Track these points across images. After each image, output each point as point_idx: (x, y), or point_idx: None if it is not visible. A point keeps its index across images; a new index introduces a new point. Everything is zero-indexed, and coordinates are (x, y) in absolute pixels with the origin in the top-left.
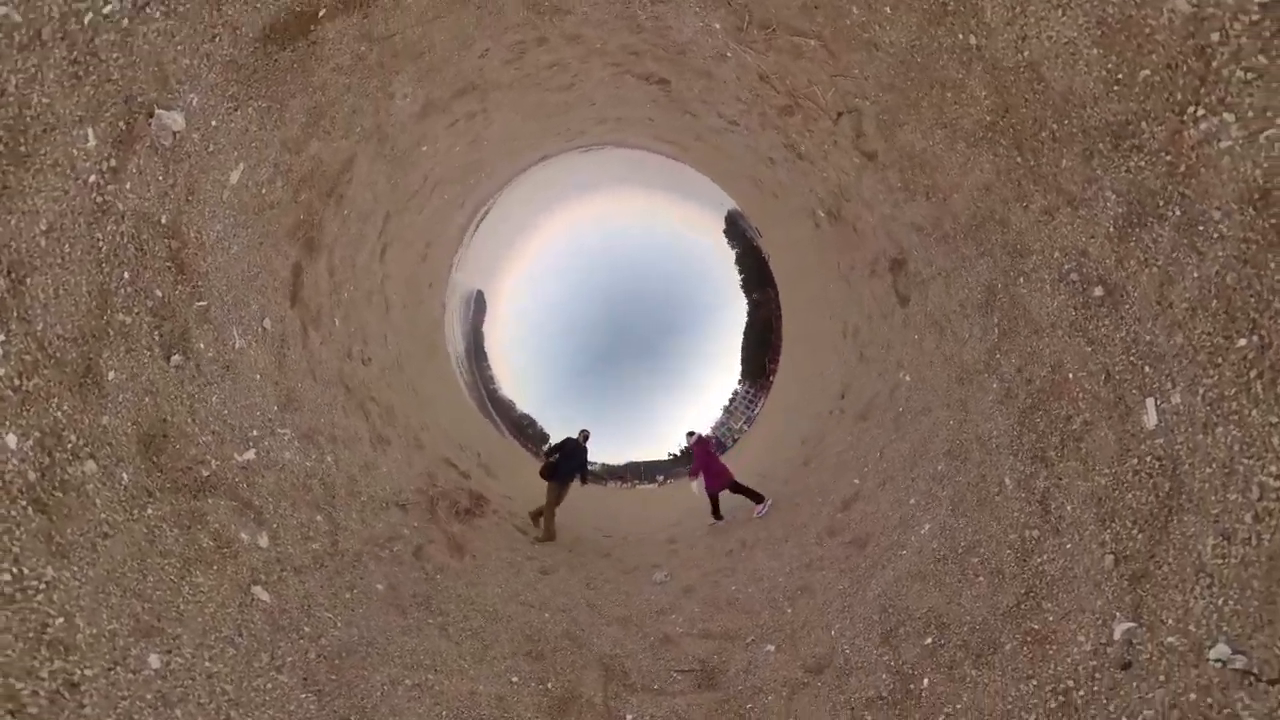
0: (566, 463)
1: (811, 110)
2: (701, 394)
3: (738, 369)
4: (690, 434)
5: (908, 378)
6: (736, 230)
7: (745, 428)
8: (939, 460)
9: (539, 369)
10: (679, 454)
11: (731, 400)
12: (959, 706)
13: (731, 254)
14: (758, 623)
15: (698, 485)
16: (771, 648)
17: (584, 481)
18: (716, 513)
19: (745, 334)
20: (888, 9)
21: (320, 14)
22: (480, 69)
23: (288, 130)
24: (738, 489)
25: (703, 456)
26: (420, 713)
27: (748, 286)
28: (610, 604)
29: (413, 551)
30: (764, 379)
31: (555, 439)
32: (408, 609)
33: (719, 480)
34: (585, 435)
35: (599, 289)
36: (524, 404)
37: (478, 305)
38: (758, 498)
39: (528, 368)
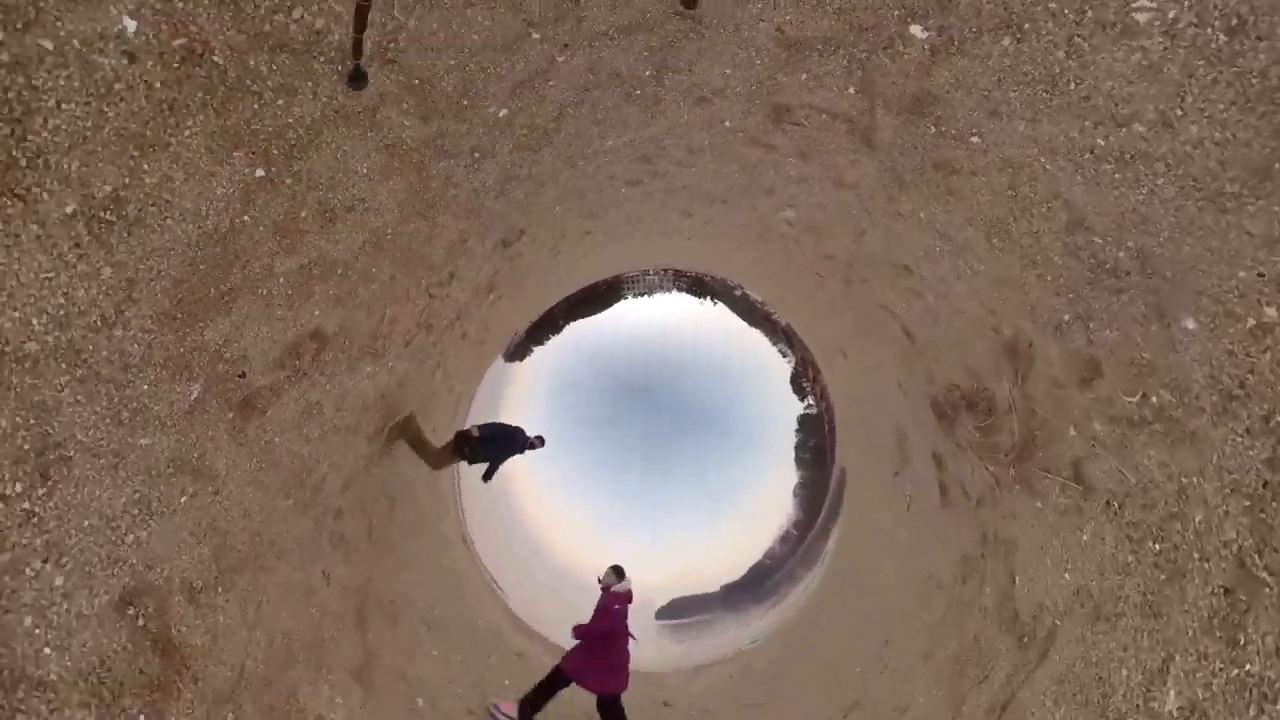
0: (492, 449)
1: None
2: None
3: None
4: (616, 571)
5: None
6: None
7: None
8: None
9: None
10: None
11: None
12: None
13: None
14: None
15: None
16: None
17: (487, 478)
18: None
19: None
20: None
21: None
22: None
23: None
24: (612, 712)
25: (610, 622)
26: None
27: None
28: None
29: None
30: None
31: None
32: None
33: (613, 682)
34: (538, 441)
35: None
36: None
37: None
38: None
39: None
